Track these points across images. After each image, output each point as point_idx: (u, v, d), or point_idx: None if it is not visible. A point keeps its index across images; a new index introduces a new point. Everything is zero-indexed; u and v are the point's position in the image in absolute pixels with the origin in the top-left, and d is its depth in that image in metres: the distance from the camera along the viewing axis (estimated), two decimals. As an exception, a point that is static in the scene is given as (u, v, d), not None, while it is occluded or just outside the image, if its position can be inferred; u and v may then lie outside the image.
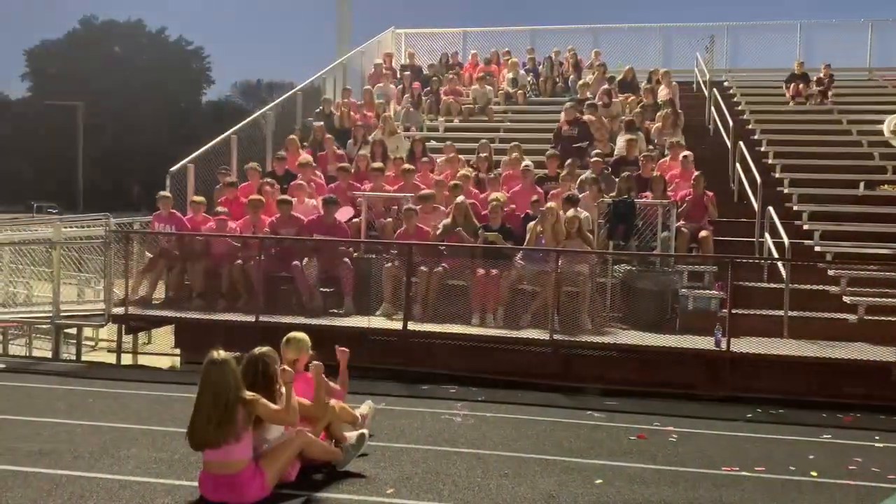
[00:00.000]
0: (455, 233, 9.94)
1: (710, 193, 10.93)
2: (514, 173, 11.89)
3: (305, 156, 12.58)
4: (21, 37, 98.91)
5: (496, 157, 12.97)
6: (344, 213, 10.87)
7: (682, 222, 10.50)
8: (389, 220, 10.99)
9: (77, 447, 5.87)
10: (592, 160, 11.97)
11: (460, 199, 10.22)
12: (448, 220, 10.09)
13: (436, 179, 11.74)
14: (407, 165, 11.90)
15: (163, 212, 10.83)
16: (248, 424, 4.73)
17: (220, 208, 11.10)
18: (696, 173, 11.06)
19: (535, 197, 10.62)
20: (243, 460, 4.74)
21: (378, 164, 12.03)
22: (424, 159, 12.52)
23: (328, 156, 13.14)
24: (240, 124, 13.97)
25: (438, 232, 10.08)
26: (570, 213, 9.74)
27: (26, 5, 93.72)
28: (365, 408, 6.37)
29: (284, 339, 5.74)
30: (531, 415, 7.31)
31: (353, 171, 12.18)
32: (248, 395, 4.75)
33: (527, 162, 11.86)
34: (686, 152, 11.94)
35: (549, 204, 10.00)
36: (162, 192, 11.07)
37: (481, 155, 12.50)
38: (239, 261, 10.15)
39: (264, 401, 4.86)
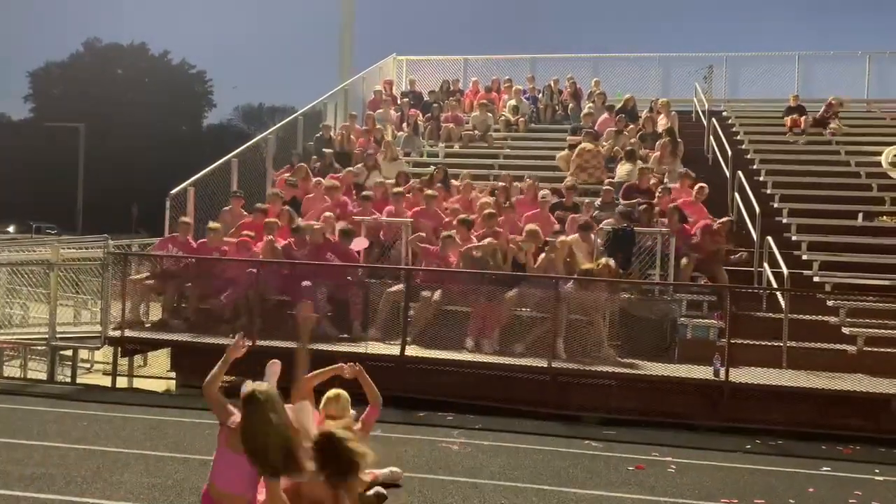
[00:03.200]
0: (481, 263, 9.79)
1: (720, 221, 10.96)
2: (525, 199, 12.03)
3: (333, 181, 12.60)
4: (25, 58, 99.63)
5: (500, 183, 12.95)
6: (359, 244, 10.82)
7: (696, 254, 10.39)
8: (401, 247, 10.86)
9: (70, 471, 5.82)
10: (604, 188, 12.16)
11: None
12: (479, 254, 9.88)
13: (481, 201, 11.65)
14: (429, 191, 11.95)
15: (180, 236, 10.83)
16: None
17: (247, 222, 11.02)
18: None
19: (556, 227, 11.01)
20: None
21: (371, 190, 12.02)
22: (438, 185, 12.61)
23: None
24: (240, 148, 14.04)
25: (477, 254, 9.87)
26: (603, 260, 9.58)
27: (30, 27, 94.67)
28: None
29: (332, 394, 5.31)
30: (529, 443, 7.25)
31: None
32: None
33: (544, 191, 12.03)
34: (701, 184, 11.96)
35: (562, 238, 10.12)
36: (183, 219, 11.15)
37: (501, 185, 12.32)
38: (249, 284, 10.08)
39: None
